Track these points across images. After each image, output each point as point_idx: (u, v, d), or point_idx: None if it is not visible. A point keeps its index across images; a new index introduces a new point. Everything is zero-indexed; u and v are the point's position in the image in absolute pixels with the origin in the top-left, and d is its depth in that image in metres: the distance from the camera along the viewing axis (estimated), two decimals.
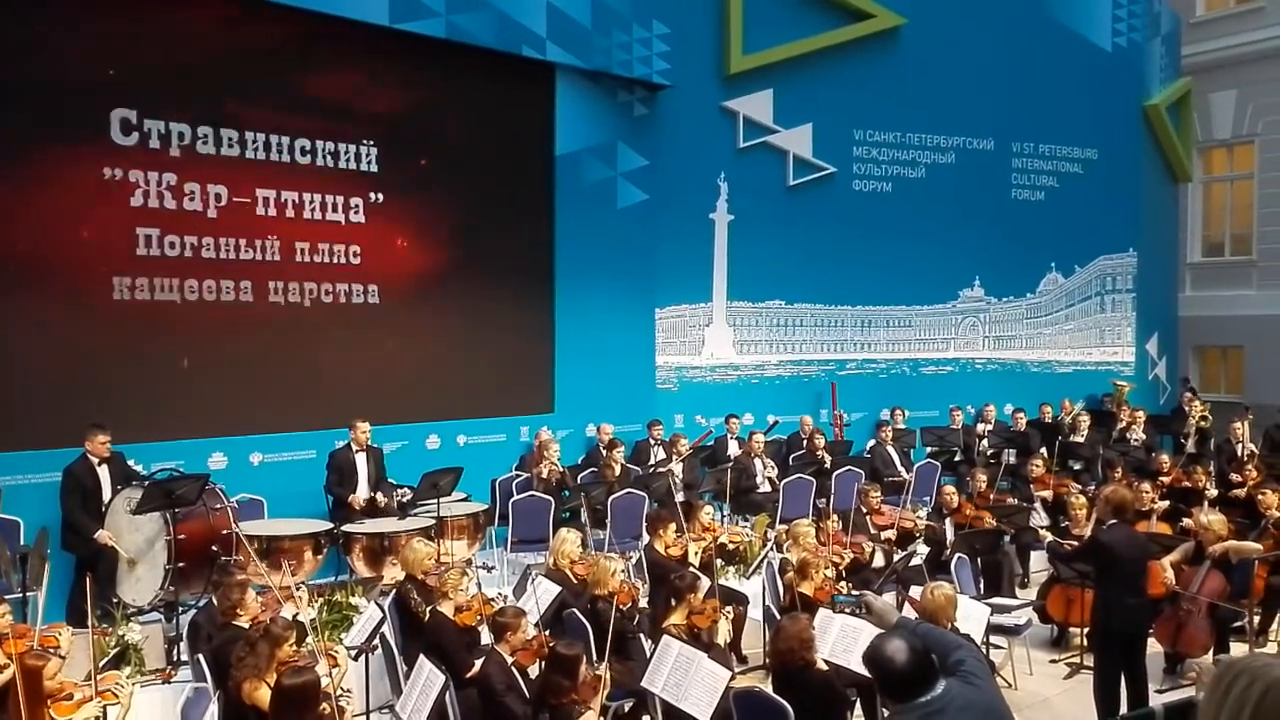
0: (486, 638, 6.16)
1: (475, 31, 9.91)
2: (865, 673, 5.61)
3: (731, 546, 8.54)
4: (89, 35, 8.05)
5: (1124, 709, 5.93)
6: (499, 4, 10.01)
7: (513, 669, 5.42)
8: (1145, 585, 6.27)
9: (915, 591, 6.75)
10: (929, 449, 12.13)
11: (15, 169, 7.77)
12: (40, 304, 7.89)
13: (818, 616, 5.98)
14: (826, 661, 5.55)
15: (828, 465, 10.75)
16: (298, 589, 6.24)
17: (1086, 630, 7.12)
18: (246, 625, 5.55)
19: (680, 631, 5.88)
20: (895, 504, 9.29)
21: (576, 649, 5.30)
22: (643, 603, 6.95)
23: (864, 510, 8.69)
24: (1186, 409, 12.56)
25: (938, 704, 2.91)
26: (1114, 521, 6.21)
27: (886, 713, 3.03)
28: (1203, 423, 11.95)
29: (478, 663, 5.69)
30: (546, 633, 5.89)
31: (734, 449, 11.17)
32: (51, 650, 5.23)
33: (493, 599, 6.47)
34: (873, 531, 8.53)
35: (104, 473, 7.33)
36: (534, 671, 5.52)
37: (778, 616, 6.57)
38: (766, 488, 10.42)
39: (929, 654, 3.05)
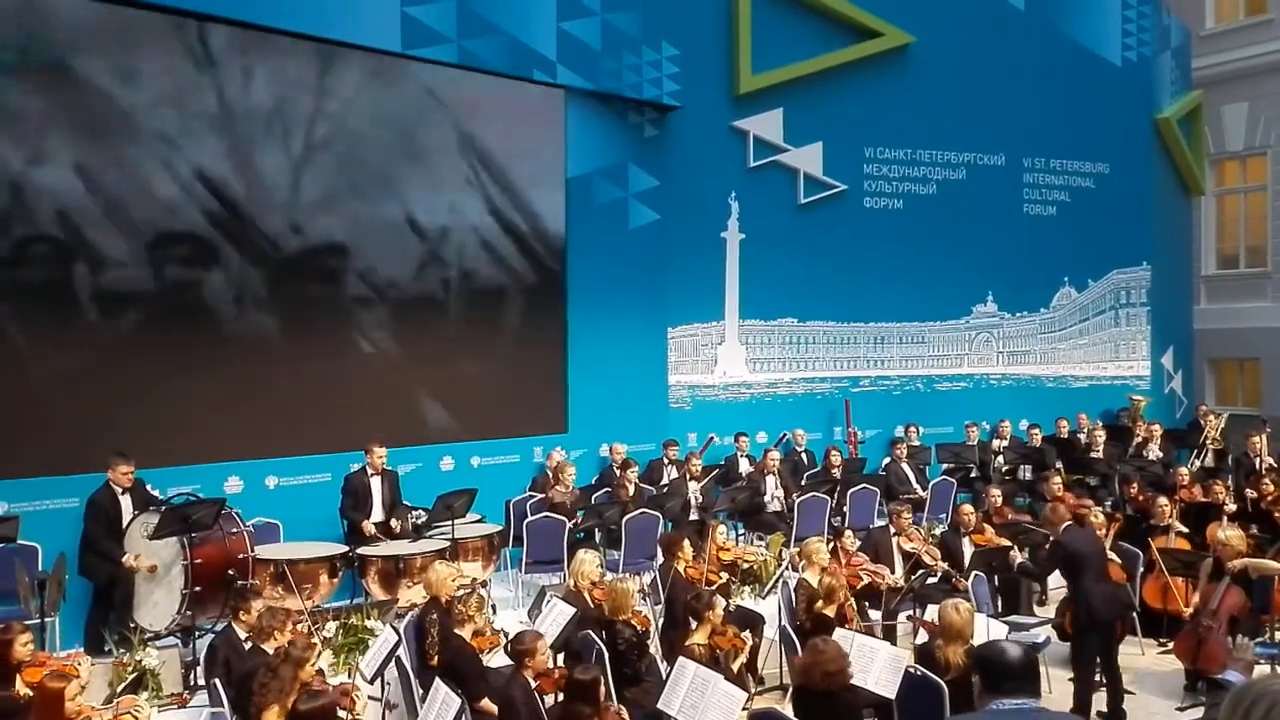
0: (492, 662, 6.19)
1: (487, 57, 10.01)
2: (881, 693, 5.65)
3: (746, 566, 8.49)
4: None
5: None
6: (510, 29, 10.11)
7: (535, 692, 5.43)
8: (1109, 574, 7.02)
9: (931, 610, 6.72)
10: (944, 466, 12.08)
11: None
12: (57, 330, 7.97)
13: (834, 636, 5.95)
14: None
15: (838, 475, 10.71)
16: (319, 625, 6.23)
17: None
18: (271, 651, 5.55)
19: (702, 652, 5.87)
20: (915, 522, 9.21)
21: (593, 673, 5.28)
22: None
23: (893, 531, 8.58)
24: (1202, 423, 12.46)
25: (1032, 715, 2.94)
26: (1067, 525, 6.91)
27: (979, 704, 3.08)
28: (1215, 445, 11.80)
29: (496, 685, 5.69)
30: (560, 656, 5.89)
31: (745, 467, 11.15)
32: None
33: (500, 630, 6.49)
34: (900, 555, 8.42)
35: (126, 501, 7.36)
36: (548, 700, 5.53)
37: (794, 637, 6.55)
38: (777, 506, 10.38)
39: (1036, 667, 3.14)
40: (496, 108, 10.35)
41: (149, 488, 7.78)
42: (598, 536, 9.09)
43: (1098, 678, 6.77)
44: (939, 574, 8.08)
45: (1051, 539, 7.07)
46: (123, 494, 7.35)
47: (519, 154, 10.58)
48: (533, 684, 5.43)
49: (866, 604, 7.59)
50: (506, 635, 6.48)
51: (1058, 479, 10.51)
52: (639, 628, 6.41)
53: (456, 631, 6.10)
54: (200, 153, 8.63)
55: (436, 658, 6.09)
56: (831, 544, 8.07)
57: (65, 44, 7.96)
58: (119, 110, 8.25)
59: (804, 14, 12.43)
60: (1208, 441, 11.88)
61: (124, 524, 7.26)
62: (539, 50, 10.35)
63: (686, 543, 7.63)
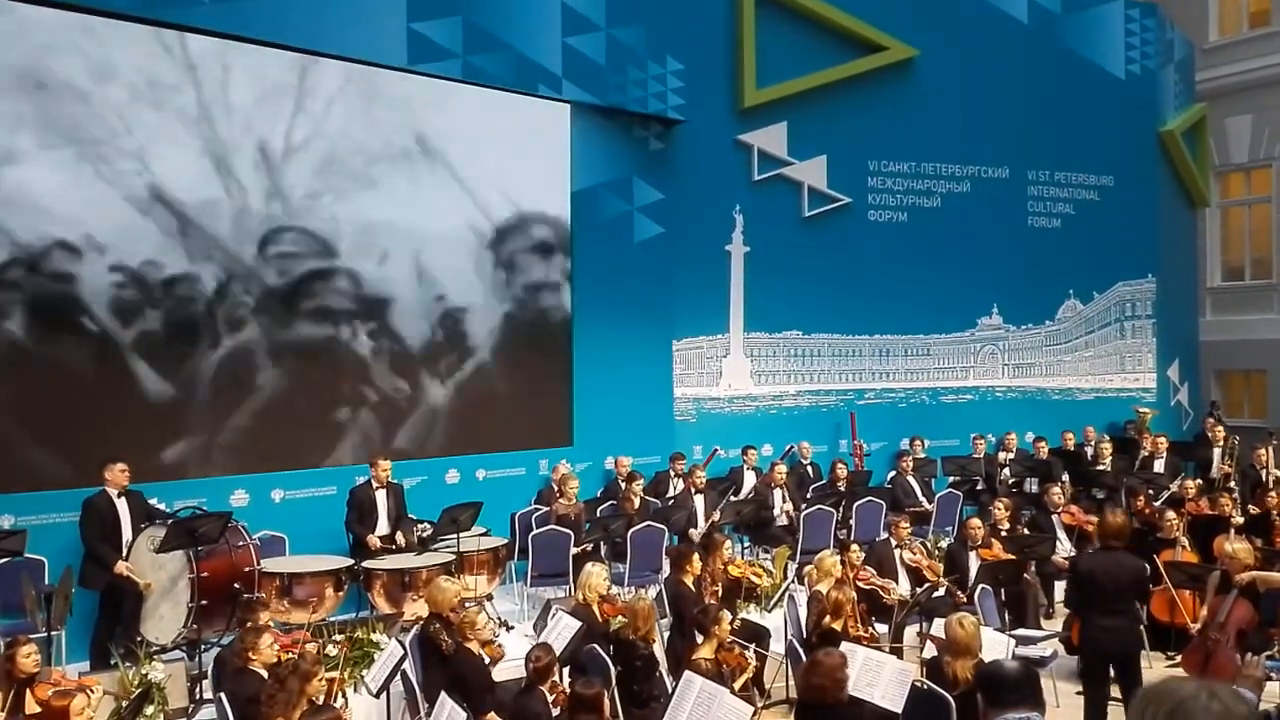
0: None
1: (492, 72, 10.06)
2: (888, 707, 5.62)
3: (750, 583, 8.46)
4: None
5: None
6: (515, 44, 10.16)
7: (551, 706, 5.43)
8: (1128, 608, 6.35)
9: (938, 624, 6.70)
10: (951, 478, 12.05)
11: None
12: (64, 342, 8.00)
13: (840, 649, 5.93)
14: (851, 697, 5.49)
15: (843, 488, 10.69)
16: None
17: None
18: (261, 670, 5.52)
19: (708, 667, 5.86)
20: (921, 535, 9.18)
21: (597, 688, 5.27)
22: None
23: (893, 543, 8.58)
24: (1210, 435, 12.40)
25: None
26: (1101, 545, 6.47)
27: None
28: (1227, 466, 11.66)
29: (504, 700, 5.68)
30: (566, 670, 5.88)
31: (750, 480, 11.14)
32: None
33: (499, 643, 6.50)
34: (904, 568, 8.41)
35: (123, 505, 7.38)
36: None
37: (800, 651, 6.53)
38: (784, 519, 10.36)
39: (1037, 681, 3.17)
40: (502, 122, 10.39)
41: (154, 501, 7.80)
42: (603, 549, 9.08)
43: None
44: (942, 588, 8.06)
45: (1074, 556, 6.86)
46: (119, 497, 7.37)
47: (524, 168, 10.61)
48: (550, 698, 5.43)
49: (873, 618, 7.57)
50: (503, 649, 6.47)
51: (1058, 490, 10.48)
52: (650, 644, 6.40)
53: (465, 645, 6.09)
54: (191, 159, 8.60)
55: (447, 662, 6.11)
56: (839, 557, 8.05)
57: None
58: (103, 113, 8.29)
59: (808, 28, 12.48)
60: (1220, 470, 11.75)
61: (120, 529, 7.28)
62: (544, 65, 10.40)
63: (695, 556, 7.62)
